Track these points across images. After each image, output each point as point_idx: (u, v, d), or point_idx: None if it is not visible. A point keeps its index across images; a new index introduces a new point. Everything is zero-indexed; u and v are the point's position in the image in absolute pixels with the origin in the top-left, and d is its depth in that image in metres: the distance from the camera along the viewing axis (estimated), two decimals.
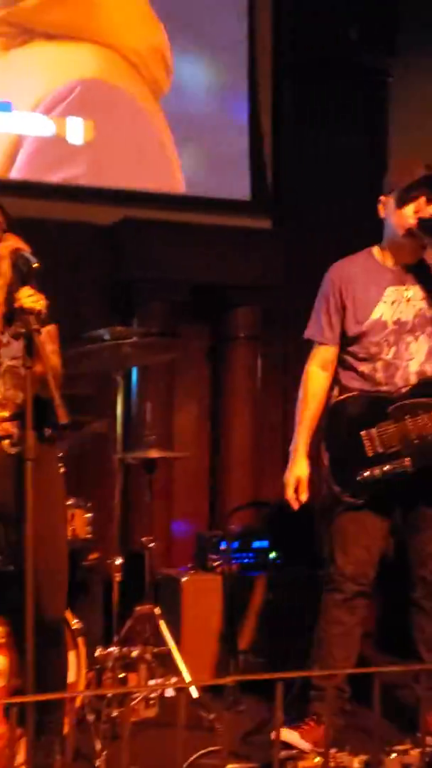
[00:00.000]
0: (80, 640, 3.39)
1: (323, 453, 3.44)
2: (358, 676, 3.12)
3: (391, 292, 3.45)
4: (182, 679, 3.70)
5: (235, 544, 4.47)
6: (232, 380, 5.51)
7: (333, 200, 5.69)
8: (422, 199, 3.40)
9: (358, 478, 3.35)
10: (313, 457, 3.55)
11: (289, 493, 3.47)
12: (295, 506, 3.48)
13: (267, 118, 5.55)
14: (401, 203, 3.40)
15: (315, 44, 5.62)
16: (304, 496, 3.47)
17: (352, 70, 5.75)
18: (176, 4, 5.43)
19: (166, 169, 5.42)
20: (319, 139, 5.72)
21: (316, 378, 3.52)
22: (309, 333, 3.56)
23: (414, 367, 3.41)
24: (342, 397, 3.45)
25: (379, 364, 3.41)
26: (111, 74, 5.31)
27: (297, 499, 3.47)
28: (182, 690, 2.60)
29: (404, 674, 3.47)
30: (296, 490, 3.47)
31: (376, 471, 3.35)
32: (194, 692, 3.65)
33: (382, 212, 3.48)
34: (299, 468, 3.48)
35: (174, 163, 5.43)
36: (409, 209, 3.40)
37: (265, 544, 4.58)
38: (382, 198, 3.48)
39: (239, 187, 5.56)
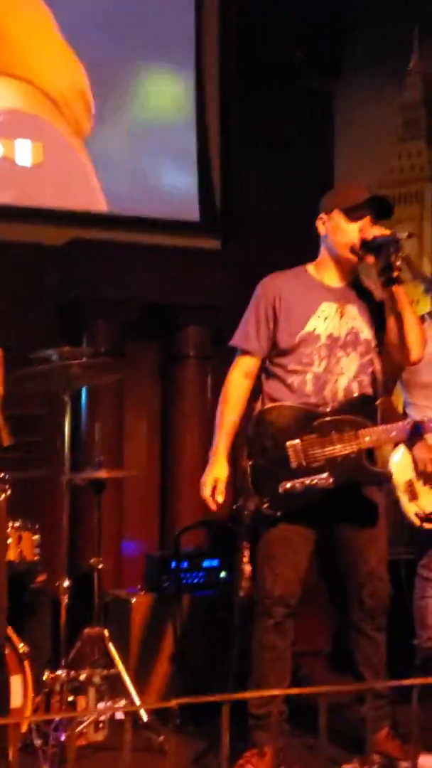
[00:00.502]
0: (27, 664, 3.36)
1: (246, 462, 3.43)
2: (297, 697, 3.13)
3: (324, 307, 3.47)
4: (131, 702, 3.67)
5: (186, 564, 4.46)
6: (182, 399, 5.52)
7: (281, 220, 5.74)
8: (367, 219, 3.44)
9: (280, 490, 3.34)
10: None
11: (206, 493, 3.47)
12: (213, 507, 3.48)
13: (215, 140, 5.58)
14: (347, 221, 3.44)
15: (261, 67, 5.67)
16: (220, 498, 3.46)
17: (299, 91, 5.82)
18: (125, 33, 5.43)
19: (108, 191, 5.43)
20: (266, 161, 5.78)
21: (239, 385, 3.54)
22: (236, 341, 3.56)
23: (343, 382, 3.43)
24: (269, 406, 3.44)
25: (309, 377, 3.42)
26: (32, 106, 5.30)
27: (214, 500, 3.47)
28: (129, 713, 2.58)
29: (347, 694, 3.48)
30: (213, 492, 3.46)
31: (298, 484, 3.34)
32: (144, 715, 3.63)
33: (321, 230, 3.52)
34: (218, 469, 3.49)
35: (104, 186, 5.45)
36: (354, 227, 3.44)
37: (215, 563, 4.56)
38: (322, 216, 3.51)
39: (188, 209, 5.58)
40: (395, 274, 3.32)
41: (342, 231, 3.44)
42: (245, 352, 3.53)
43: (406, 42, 5.92)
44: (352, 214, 3.42)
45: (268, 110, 5.75)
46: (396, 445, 4.20)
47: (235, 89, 5.67)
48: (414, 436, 3.59)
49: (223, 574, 4.54)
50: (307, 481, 3.33)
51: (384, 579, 3.50)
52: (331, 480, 3.33)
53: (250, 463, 3.39)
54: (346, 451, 3.36)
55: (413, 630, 4.26)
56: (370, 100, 6.07)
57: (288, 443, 3.36)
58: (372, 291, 3.53)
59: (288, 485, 3.33)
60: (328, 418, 3.37)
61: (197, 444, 5.46)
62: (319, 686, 2.48)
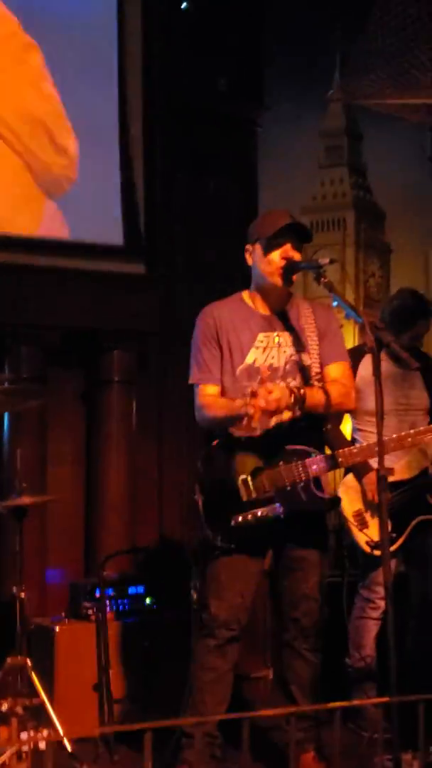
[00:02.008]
0: None
1: (198, 497, 3.44)
2: (231, 720, 3.12)
3: (262, 338, 3.50)
4: (55, 732, 3.62)
5: (110, 591, 4.42)
6: (107, 425, 5.48)
7: (205, 245, 5.77)
8: (287, 246, 3.48)
9: (232, 523, 3.36)
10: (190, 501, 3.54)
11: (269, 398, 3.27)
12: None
13: (139, 165, 5.59)
14: (268, 250, 3.47)
15: (185, 93, 5.71)
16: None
17: (222, 119, 5.87)
18: (49, 57, 5.42)
19: (37, 214, 5.39)
20: (190, 186, 5.81)
21: (213, 399, 3.49)
22: (197, 378, 3.54)
23: (286, 413, 3.45)
24: (216, 441, 3.47)
25: (244, 399, 3.44)
26: None
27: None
28: (53, 743, 2.53)
29: (276, 716, 3.47)
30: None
31: (250, 516, 3.36)
32: (68, 744, 3.57)
33: (249, 260, 3.56)
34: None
35: (44, 209, 5.41)
36: (275, 255, 3.47)
37: (140, 590, 4.53)
38: (248, 247, 3.55)
39: (112, 233, 5.57)
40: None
41: (265, 260, 3.48)
42: (201, 385, 3.52)
43: (327, 71, 6.03)
44: (273, 242, 3.46)
45: (192, 136, 5.78)
46: (345, 473, 4.23)
47: (159, 116, 5.69)
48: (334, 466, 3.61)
49: (148, 601, 4.51)
50: (259, 513, 3.35)
51: (318, 599, 3.52)
52: (281, 510, 3.35)
53: (202, 497, 3.40)
54: (295, 481, 3.38)
55: (347, 650, 4.29)
56: (292, 128, 6.17)
57: (238, 476, 3.38)
58: (301, 315, 3.55)
59: (240, 518, 3.35)
60: (275, 449, 3.39)
61: (122, 469, 5.44)
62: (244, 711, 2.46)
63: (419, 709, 2.56)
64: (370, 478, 4.08)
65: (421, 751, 2.66)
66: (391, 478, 3.98)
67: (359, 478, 4.16)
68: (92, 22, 5.51)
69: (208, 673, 3.41)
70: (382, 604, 4.13)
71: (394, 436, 3.75)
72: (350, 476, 4.21)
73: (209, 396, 3.49)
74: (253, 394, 3.25)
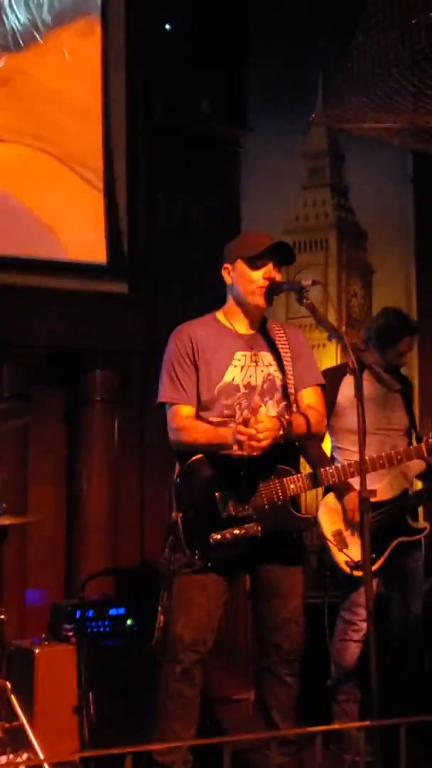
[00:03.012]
0: None
1: (176, 515, 3.41)
2: (204, 746, 3.10)
3: (240, 357, 3.49)
4: (34, 755, 3.58)
5: (91, 612, 4.39)
6: (89, 444, 5.46)
7: (188, 265, 5.78)
8: (270, 266, 3.49)
9: (211, 541, 3.34)
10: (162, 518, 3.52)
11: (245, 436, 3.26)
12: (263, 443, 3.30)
13: (122, 184, 5.60)
14: (252, 268, 3.47)
15: (168, 114, 5.73)
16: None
17: (205, 139, 5.89)
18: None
19: (24, 234, 5.39)
20: (173, 207, 5.82)
21: (190, 421, 3.46)
22: (168, 396, 3.49)
23: None
24: (196, 458, 3.43)
25: (231, 427, 3.43)
26: None
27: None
28: (32, 767, 2.51)
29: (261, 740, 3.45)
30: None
31: (227, 534, 3.34)
32: None
33: (228, 279, 3.55)
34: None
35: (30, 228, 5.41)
36: (258, 275, 3.48)
37: (121, 611, 4.51)
38: (227, 265, 3.55)
39: (96, 252, 5.57)
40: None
41: (246, 279, 3.48)
42: (180, 404, 3.47)
43: (311, 92, 6.06)
44: (255, 262, 3.46)
45: (175, 157, 5.79)
46: (325, 492, 4.23)
47: (142, 136, 5.71)
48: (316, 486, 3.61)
49: (129, 623, 4.48)
50: (236, 531, 3.34)
51: (300, 623, 3.50)
52: (258, 528, 3.34)
53: (180, 515, 3.37)
54: (273, 500, 3.37)
55: (329, 672, 4.27)
56: (275, 148, 6.18)
57: (217, 494, 3.36)
58: (276, 335, 3.55)
59: (218, 536, 3.32)
60: (253, 468, 3.38)
61: (104, 489, 5.42)
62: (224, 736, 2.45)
63: (401, 733, 2.55)
64: (351, 498, 4.08)
65: None
66: (372, 499, 4.00)
67: (340, 497, 4.16)
68: (76, 41, 5.53)
69: (176, 701, 3.37)
70: (363, 626, 4.11)
71: (374, 455, 3.76)
72: (330, 496, 4.20)
73: (186, 418, 3.45)
74: (245, 422, 3.24)
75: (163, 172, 5.80)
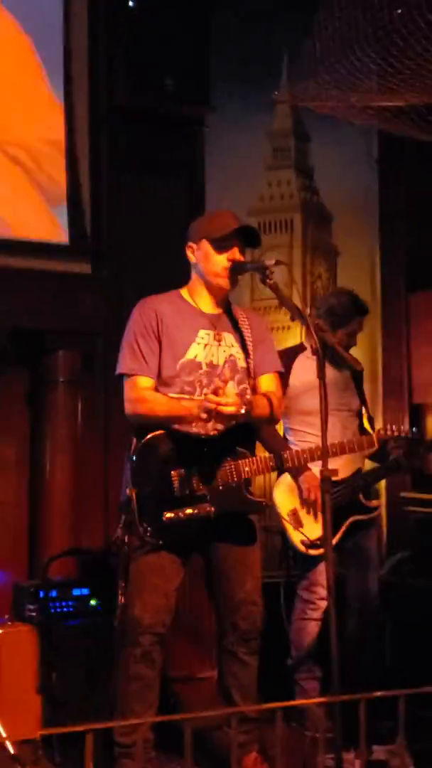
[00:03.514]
0: None
1: (130, 490, 3.38)
2: (165, 723, 3.11)
3: (203, 335, 3.49)
4: None
5: (54, 593, 4.38)
6: (52, 425, 5.43)
7: (151, 245, 5.75)
8: (235, 249, 3.48)
9: (164, 519, 3.33)
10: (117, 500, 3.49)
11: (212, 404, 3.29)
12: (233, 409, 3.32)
13: (84, 163, 5.55)
14: (217, 251, 3.46)
15: (131, 92, 5.69)
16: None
17: (168, 119, 5.85)
18: None
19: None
20: (136, 186, 5.78)
21: (150, 392, 3.44)
22: (129, 367, 3.47)
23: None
24: (153, 434, 3.41)
25: (197, 399, 3.43)
26: None
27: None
28: None
29: (222, 718, 3.46)
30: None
31: (180, 514, 3.34)
32: (10, 747, 3.53)
33: (192, 258, 3.54)
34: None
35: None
36: (223, 258, 3.47)
37: (85, 592, 4.50)
38: (191, 244, 3.53)
39: (57, 231, 5.52)
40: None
41: (211, 261, 3.47)
42: (135, 376, 3.44)
43: (275, 71, 6.04)
44: (220, 244, 3.45)
45: (138, 136, 5.76)
46: (279, 474, 4.24)
47: (104, 115, 5.66)
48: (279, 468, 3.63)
49: (93, 603, 4.48)
50: (189, 511, 3.33)
51: (258, 603, 3.51)
52: (212, 509, 3.34)
53: (135, 491, 3.34)
54: (227, 481, 3.37)
55: (288, 651, 4.29)
56: (239, 128, 6.16)
57: (173, 472, 3.35)
58: (239, 318, 3.56)
59: (171, 515, 3.31)
60: (210, 447, 3.38)
61: (67, 470, 5.39)
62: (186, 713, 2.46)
63: (361, 708, 2.57)
64: (307, 477, 4.11)
65: (363, 750, 2.68)
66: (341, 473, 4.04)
67: (295, 477, 4.18)
68: (37, 21, 5.46)
69: (136, 682, 3.37)
70: (322, 604, 4.15)
71: (337, 441, 3.80)
72: (285, 475, 4.22)
73: (145, 389, 3.43)
74: (215, 392, 3.24)
75: (126, 151, 5.76)
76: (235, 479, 3.39)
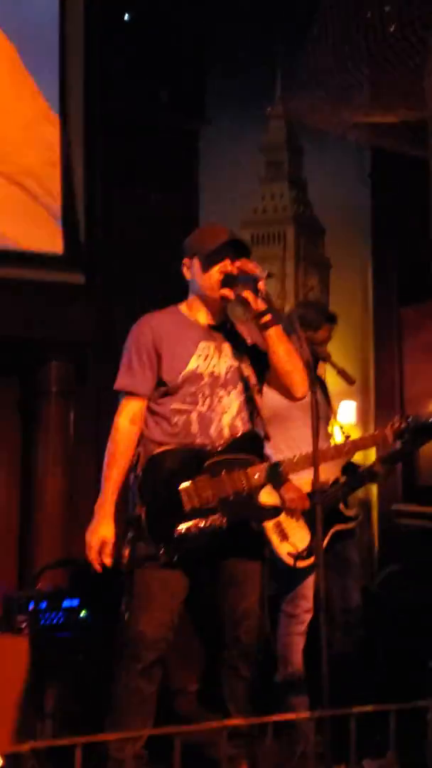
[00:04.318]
0: None
1: (139, 508, 3.38)
2: (158, 737, 3.10)
3: (203, 347, 3.49)
4: None
5: (44, 604, 4.37)
6: (44, 436, 5.43)
7: (145, 256, 5.76)
8: (226, 261, 3.49)
9: (175, 534, 3.32)
10: (122, 513, 3.49)
11: (92, 555, 3.39)
12: (98, 569, 3.41)
13: (79, 175, 5.57)
14: (207, 266, 3.47)
15: (126, 105, 5.71)
16: (107, 560, 3.38)
17: (163, 131, 5.87)
18: None
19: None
20: (131, 198, 5.80)
21: (127, 433, 3.47)
22: (123, 384, 3.46)
23: (227, 421, 3.43)
24: (159, 450, 3.39)
25: (193, 416, 3.42)
26: None
27: (101, 562, 3.40)
28: None
29: (212, 732, 3.45)
30: (100, 553, 3.40)
31: (192, 527, 3.33)
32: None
33: (187, 274, 3.55)
34: (105, 528, 3.40)
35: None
36: (215, 270, 3.48)
37: (75, 603, 4.48)
38: (186, 261, 3.55)
39: (52, 242, 5.53)
40: (266, 319, 3.36)
41: (204, 276, 3.49)
42: (131, 396, 3.45)
43: (269, 85, 6.07)
44: (211, 259, 3.46)
45: (133, 148, 5.77)
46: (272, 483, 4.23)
47: (100, 127, 5.67)
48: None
49: (83, 614, 4.47)
50: (201, 524, 3.31)
51: (259, 616, 3.49)
52: (224, 520, 3.33)
53: (144, 508, 3.34)
54: (238, 490, 3.37)
55: (275, 667, 4.28)
56: (234, 141, 6.19)
57: (180, 487, 3.34)
58: (238, 329, 3.57)
59: (183, 529, 3.30)
60: (216, 458, 3.37)
61: (59, 481, 5.39)
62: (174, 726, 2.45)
63: (350, 723, 2.57)
64: (288, 487, 4.10)
65: (353, 764, 2.68)
66: (305, 488, 4.03)
67: (276, 488, 4.15)
68: (34, 33, 5.48)
69: (134, 696, 3.35)
70: (306, 617, 4.13)
71: (329, 445, 3.79)
72: (267, 487, 4.21)
73: (125, 422, 3.43)
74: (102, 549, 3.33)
75: (121, 163, 5.78)
76: (246, 488, 3.39)
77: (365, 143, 5.64)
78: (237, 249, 3.51)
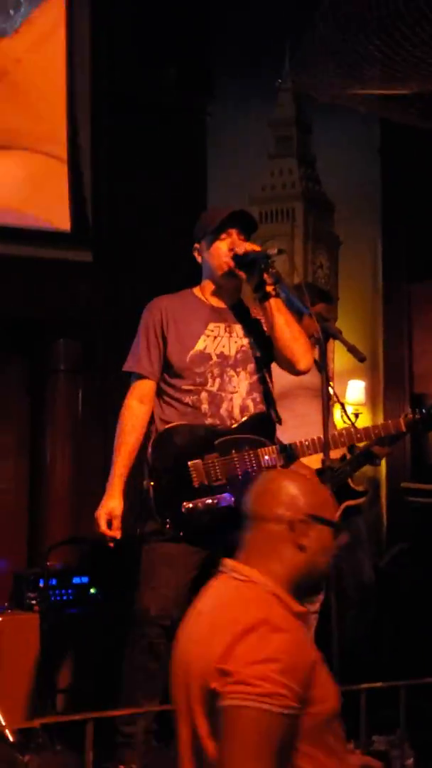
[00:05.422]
0: None
1: (147, 483, 3.40)
2: (168, 713, 3.11)
3: (213, 327, 3.50)
4: None
5: (54, 581, 4.38)
6: (52, 414, 5.43)
7: (153, 234, 5.74)
8: (234, 234, 3.47)
9: (183, 509, 3.33)
10: (133, 489, 3.50)
11: (102, 527, 3.41)
12: (109, 542, 3.42)
13: (86, 152, 5.53)
14: (214, 239, 3.46)
15: (133, 81, 5.67)
16: (117, 533, 3.41)
17: (171, 108, 5.83)
18: None
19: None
20: (138, 175, 5.77)
21: (136, 411, 3.49)
22: (128, 366, 3.53)
23: (237, 401, 3.45)
24: (169, 426, 3.42)
25: (203, 395, 3.43)
26: None
27: (110, 535, 3.41)
28: None
29: None
30: (109, 526, 3.41)
31: (200, 503, 3.33)
32: (10, 735, 3.54)
33: (198, 258, 3.55)
34: (113, 502, 3.42)
35: None
36: (223, 246, 3.46)
37: (85, 580, 4.50)
38: (196, 245, 3.55)
39: (59, 219, 5.50)
40: (268, 288, 3.35)
41: (214, 254, 3.48)
42: (139, 377, 3.49)
43: (277, 60, 6.01)
44: (219, 233, 3.46)
45: (140, 125, 5.74)
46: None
47: (107, 104, 5.64)
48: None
49: (93, 591, 4.48)
50: (209, 500, 3.32)
51: None
52: (232, 499, 3.33)
53: (152, 483, 3.35)
54: (247, 470, 3.36)
55: None
56: (242, 117, 6.14)
57: (190, 463, 3.35)
58: (251, 311, 3.57)
59: (190, 505, 3.31)
60: (227, 437, 3.38)
61: (67, 459, 5.39)
62: None
63: (361, 699, 2.58)
64: (297, 467, 4.08)
65: (363, 740, 2.68)
66: (315, 466, 4.02)
67: (285, 467, 4.15)
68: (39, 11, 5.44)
69: (139, 673, 3.37)
70: (320, 597, 4.14)
71: (334, 431, 3.77)
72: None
73: (134, 402, 3.47)
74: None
75: (128, 141, 5.74)
76: (255, 467, 3.39)
77: (375, 117, 5.60)
78: (243, 223, 3.51)
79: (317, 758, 1.89)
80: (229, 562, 2.04)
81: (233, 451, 3.38)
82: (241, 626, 1.85)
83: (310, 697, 1.86)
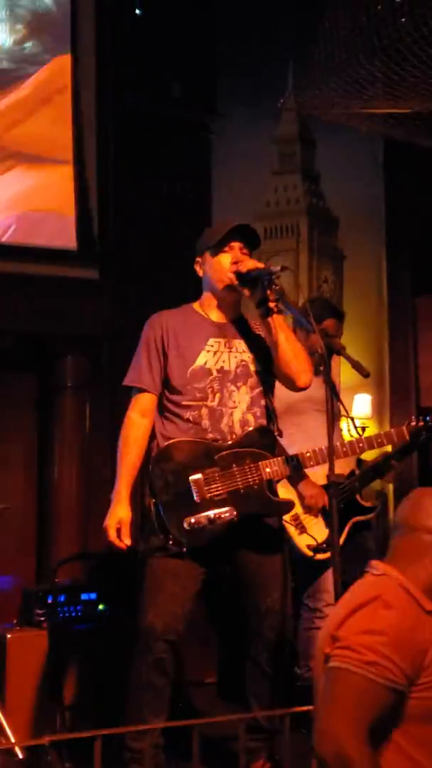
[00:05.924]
0: None
1: (149, 499, 3.41)
2: (177, 728, 3.12)
3: (213, 343, 3.51)
4: (6, 739, 3.59)
5: (62, 597, 4.39)
6: (60, 430, 5.46)
7: (158, 250, 5.77)
8: (237, 247, 3.48)
9: (185, 525, 3.33)
10: (136, 505, 3.52)
11: (111, 535, 3.42)
12: (122, 547, 3.43)
13: (92, 170, 5.57)
14: (217, 252, 3.48)
15: (139, 99, 5.71)
16: (127, 540, 3.42)
17: (176, 124, 5.87)
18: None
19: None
20: (144, 192, 5.80)
21: (137, 424, 3.51)
22: (129, 380, 3.55)
23: (237, 416, 3.45)
24: (170, 443, 3.42)
25: (204, 411, 3.43)
26: None
27: (121, 542, 3.43)
28: (3, 751, 2.52)
29: (233, 725, 3.46)
30: (119, 535, 3.43)
31: (203, 518, 3.34)
32: (19, 752, 3.55)
33: (200, 272, 3.56)
34: (121, 510, 3.44)
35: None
36: (225, 259, 3.48)
37: (93, 596, 4.51)
38: (198, 259, 3.56)
39: (65, 237, 5.54)
40: (271, 305, 3.37)
41: (216, 267, 3.49)
42: (140, 390, 3.51)
43: (281, 77, 6.06)
44: (221, 247, 3.47)
45: (146, 142, 5.78)
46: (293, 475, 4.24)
47: (112, 121, 5.68)
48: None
49: (101, 607, 4.49)
50: (211, 515, 3.32)
51: (283, 612, 3.48)
52: (235, 513, 3.33)
53: (153, 500, 3.36)
54: (249, 483, 3.37)
55: (296, 659, 4.28)
56: (246, 134, 6.18)
57: (191, 478, 3.35)
58: (252, 326, 3.58)
59: (192, 520, 3.31)
60: (227, 452, 3.38)
61: (75, 474, 5.41)
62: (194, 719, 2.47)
63: None
64: (307, 484, 4.10)
65: None
66: (321, 482, 4.03)
67: (294, 484, 4.15)
68: (46, 28, 5.49)
69: (147, 690, 3.36)
70: (329, 611, 4.13)
71: (338, 442, 3.78)
72: (283, 482, 4.21)
73: (136, 416, 3.51)
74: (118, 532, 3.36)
75: (133, 157, 5.78)
76: (256, 481, 3.39)
77: (378, 135, 5.63)
78: (246, 237, 3.52)
79: (413, 757, 1.99)
80: (374, 563, 2.21)
81: (234, 465, 3.38)
82: (358, 601, 2.06)
83: (419, 679, 1.97)
